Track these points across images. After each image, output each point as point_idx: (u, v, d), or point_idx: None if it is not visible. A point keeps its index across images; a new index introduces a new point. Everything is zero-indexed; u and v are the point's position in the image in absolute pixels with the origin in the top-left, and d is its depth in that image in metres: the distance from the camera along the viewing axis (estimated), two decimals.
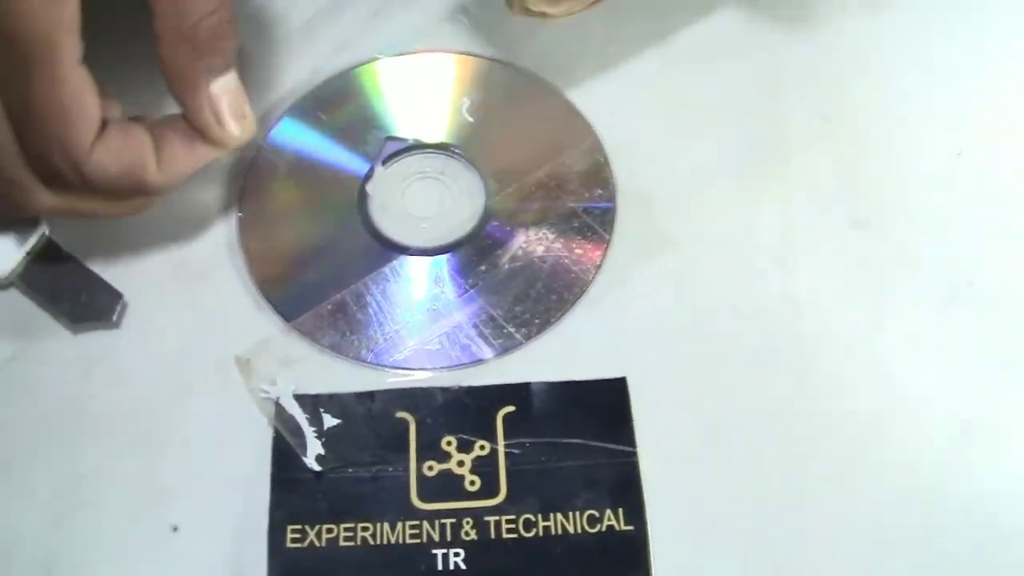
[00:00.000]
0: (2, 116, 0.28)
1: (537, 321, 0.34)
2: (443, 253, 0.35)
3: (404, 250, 0.35)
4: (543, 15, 0.34)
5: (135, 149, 0.30)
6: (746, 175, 0.37)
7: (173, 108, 0.31)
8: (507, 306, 0.34)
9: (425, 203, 0.36)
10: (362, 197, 0.36)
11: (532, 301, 0.34)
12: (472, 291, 0.34)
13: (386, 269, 0.35)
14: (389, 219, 0.36)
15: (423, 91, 0.39)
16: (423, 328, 0.34)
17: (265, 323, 0.34)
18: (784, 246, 0.35)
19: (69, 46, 0.27)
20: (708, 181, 0.37)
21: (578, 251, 0.35)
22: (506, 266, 0.35)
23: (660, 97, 0.39)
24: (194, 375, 0.33)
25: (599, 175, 0.36)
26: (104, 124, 0.29)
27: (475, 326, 0.34)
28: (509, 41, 0.39)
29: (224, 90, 0.31)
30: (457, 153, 0.37)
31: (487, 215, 0.36)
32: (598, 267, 0.35)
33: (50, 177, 0.29)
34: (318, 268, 0.35)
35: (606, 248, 0.35)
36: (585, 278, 0.34)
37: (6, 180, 0.29)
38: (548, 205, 0.36)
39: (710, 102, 0.38)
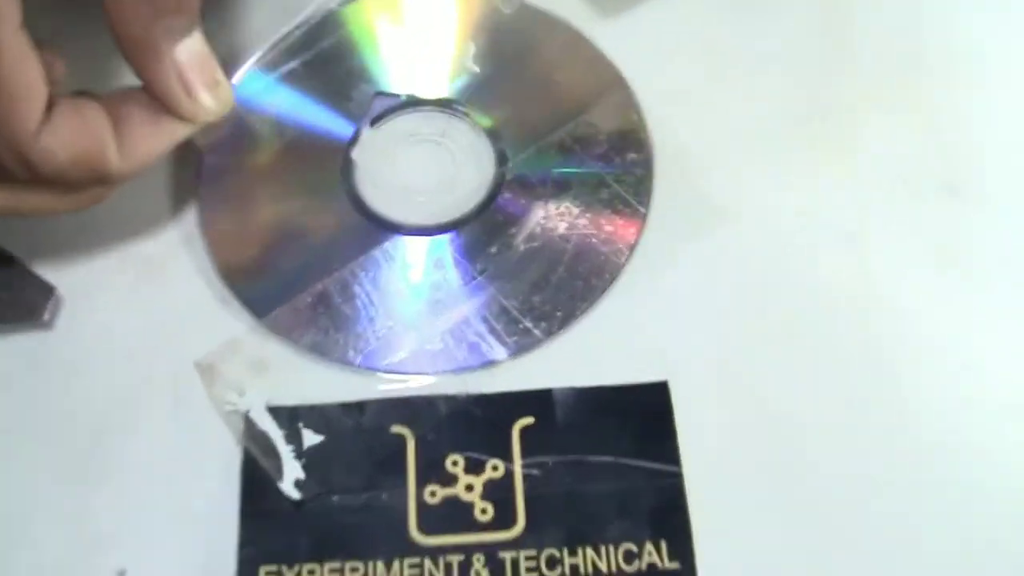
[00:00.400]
0: None
1: (559, 314, 0.32)
2: (445, 232, 0.34)
3: (398, 229, 0.34)
4: None
5: (90, 130, 0.29)
6: (809, 134, 0.36)
7: (133, 80, 0.30)
8: (523, 296, 0.33)
9: (423, 172, 0.35)
10: (347, 166, 0.35)
11: (553, 289, 0.33)
12: (481, 278, 0.33)
13: (377, 253, 0.34)
14: (380, 192, 0.35)
15: (419, 34, 0.37)
16: (422, 324, 0.32)
17: (231, 321, 0.33)
18: (856, 219, 0.34)
19: (7, 8, 0.26)
20: (764, 141, 0.35)
21: (608, 228, 0.34)
22: (521, 247, 0.34)
23: (706, 40, 0.37)
24: (145, 386, 0.32)
25: (633, 135, 0.35)
26: (51, 102, 0.28)
27: (485, 320, 0.33)
28: None
29: (191, 54, 0.30)
30: (461, 111, 0.36)
31: (498, 185, 0.35)
32: (632, 247, 0.33)
33: None
34: (294, 253, 0.34)
35: (642, 224, 0.34)
36: (617, 260, 0.33)
37: None
38: (572, 172, 0.35)
39: (766, 46, 0.37)
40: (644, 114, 0.35)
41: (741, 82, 0.36)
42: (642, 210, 0.34)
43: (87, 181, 0.29)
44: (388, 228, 0.34)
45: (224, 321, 0.33)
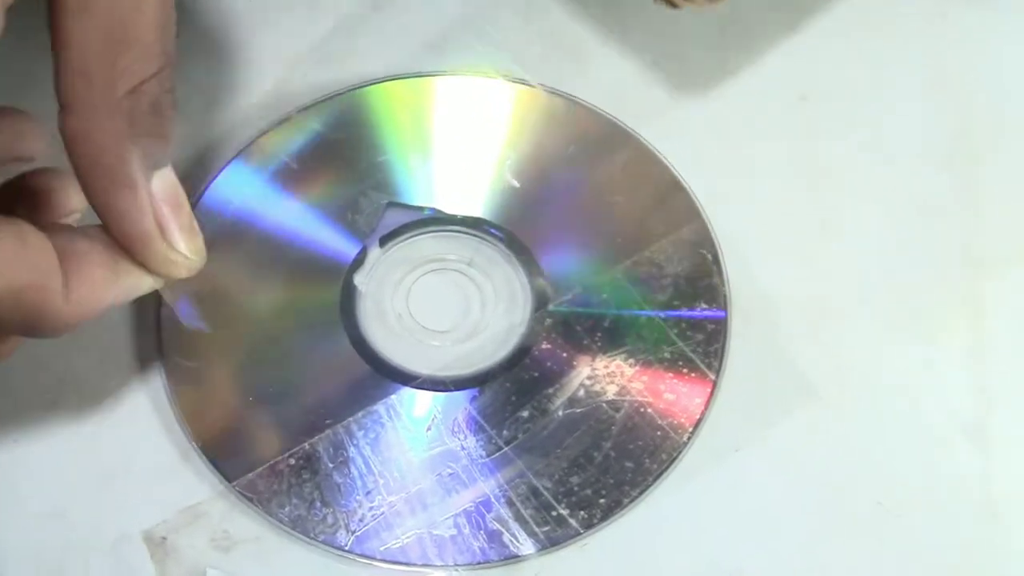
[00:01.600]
0: None
1: (603, 501, 0.34)
2: (466, 388, 0.36)
3: (407, 380, 0.36)
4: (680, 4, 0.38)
5: (33, 265, 0.30)
6: (922, 295, 0.38)
7: None
8: (559, 476, 0.34)
9: (442, 309, 0.37)
10: (347, 294, 0.37)
11: (597, 470, 0.34)
12: (508, 449, 0.35)
13: (379, 407, 0.35)
14: (387, 331, 0.37)
15: (447, 133, 0.40)
16: (432, 502, 0.34)
17: (194, 483, 0.34)
18: (980, 407, 0.36)
19: None
20: (869, 300, 0.38)
21: (669, 396, 0.35)
22: (560, 413, 0.35)
23: (803, 167, 0.40)
24: (78, 559, 0.33)
25: (706, 280, 0.37)
26: None
27: (510, 504, 0.34)
28: (575, 64, 0.41)
29: (166, 188, 0.32)
30: (493, 233, 0.38)
31: (534, 333, 0.37)
32: (698, 423, 0.35)
33: None
34: (276, 401, 0.35)
35: (712, 393, 0.36)
36: (678, 439, 0.35)
37: None
38: (627, 321, 0.37)
39: (874, 180, 0.40)
40: (721, 255, 0.38)
41: (843, 224, 0.39)
42: (712, 376, 0.36)
43: (16, 326, 0.30)
44: (395, 378, 0.36)
45: (185, 483, 0.34)
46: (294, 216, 0.38)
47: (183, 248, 0.32)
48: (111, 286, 0.31)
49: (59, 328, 0.31)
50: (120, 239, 0.32)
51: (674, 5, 0.38)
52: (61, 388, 0.36)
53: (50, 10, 0.30)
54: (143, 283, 0.32)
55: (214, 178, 0.39)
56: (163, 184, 0.32)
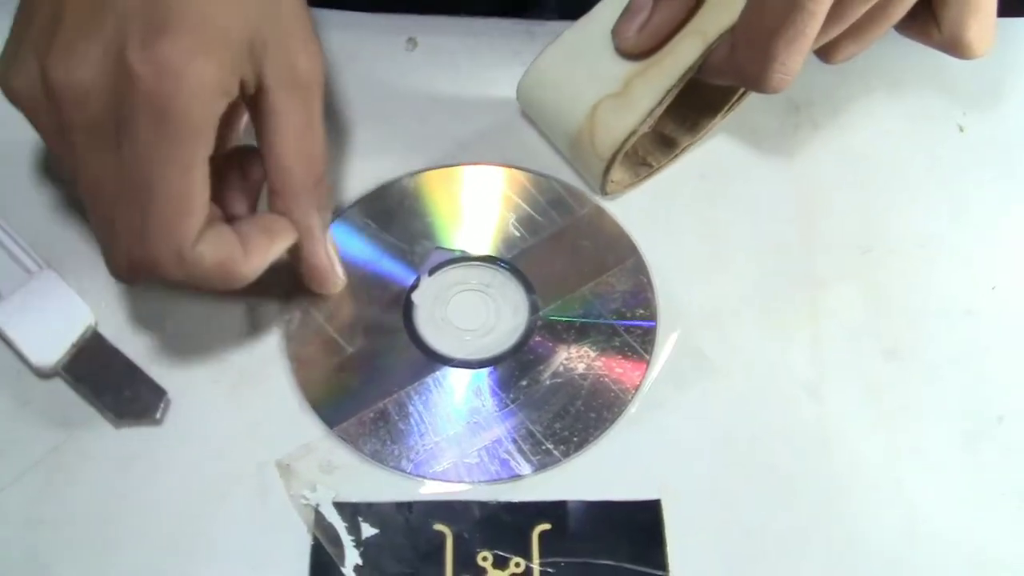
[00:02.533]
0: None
1: (575, 439, 0.38)
2: (485, 367, 0.40)
3: (447, 361, 0.40)
4: (628, 186, 0.43)
5: (229, 245, 0.35)
6: (781, 303, 0.42)
7: None
8: (547, 422, 0.38)
9: (470, 315, 0.41)
10: (408, 306, 0.41)
11: (571, 418, 0.38)
12: (513, 406, 0.39)
13: (429, 380, 0.39)
14: (433, 329, 0.40)
15: (471, 203, 0.43)
16: (463, 441, 0.38)
17: (308, 428, 0.38)
18: (816, 375, 0.40)
19: (208, 139, 0.33)
20: (745, 307, 0.41)
21: (618, 370, 0.40)
22: (547, 382, 0.39)
23: (705, 222, 0.44)
24: (234, 478, 0.37)
25: (642, 295, 0.41)
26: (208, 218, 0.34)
27: (514, 441, 0.38)
28: (554, 156, 0.45)
29: (331, 240, 0.39)
30: (503, 266, 0.42)
31: (530, 330, 0.40)
32: (637, 388, 0.39)
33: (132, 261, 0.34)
34: (362, 375, 0.39)
35: (646, 368, 0.40)
36: (624, 398, 0.39)
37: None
38: (591, 322, 0.40)
39: (748, 229, 0.43)
40: (652, 278, 0.41)
41: (731, 257, 0.43)
42: (647, 357, 0.40)
43: (220, 284, 0.35)
44: (439, 360, 0.39)
45: (301, 428, 0.38)
46: (373, 255, 0.41)
47: (340, 273, 0.39)
48: (268, 253, 0.36)
49: (246, 279, 0.35)
50: (308, 268, 0.38)
51: (606, 192, 0.42)
52: (225, 366, 0.40)
53: (258, 129, 0.36)
54: (281, 249, 0.37)
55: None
56: (331, 237, 0.39)
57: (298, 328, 0.40)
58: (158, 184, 0.32)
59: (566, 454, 0.38)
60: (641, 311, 0.41)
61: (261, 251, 0.36)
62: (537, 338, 0.40)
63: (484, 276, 0.42)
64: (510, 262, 0.42)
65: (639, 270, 0.42)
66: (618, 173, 0.43)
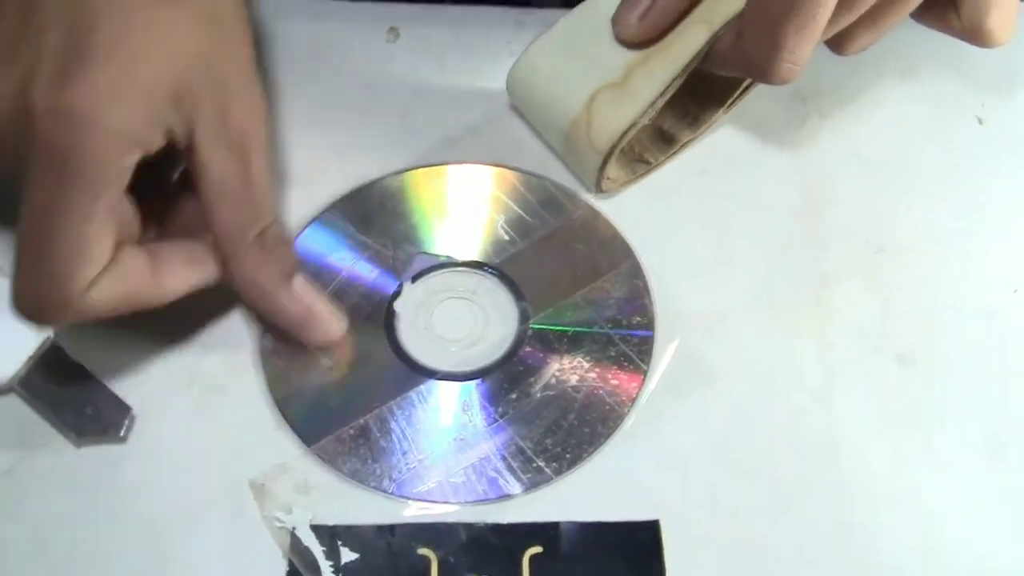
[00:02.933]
0: None
1: (568, 456, 0.38)
2: (473, 379, 0.39)
3: (432, 374, 0.39)
4: (624, 184, 0.43)
5: (132, 278, 0.34)
6: (787, 306, 0.41)
7: None
8: (538, 438, 0.38)
9: (455, 324, 0.41)
10: (389, 316, 0.41)
11: (564, 434, 0.38)
12: (502, 421, 0.38)
13: (412, 394, 0.39)
14: (417, 340, 0.40)
15: (457, 204, 0.43)
16: (449, 458, 0.38)
17: (283, 445, 0.38)
18: (824, 381, 0.40)
19: (113, 189, 0.32)
20: (748, 311, 0.41)
21: (614, 382, 0.39)
22: (538, 395, 0.39)
23: (704, 222, 0.43)
24: (204, 499, 0.37)
25: (638, 301, 0.41)
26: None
27: (504, 458, 0.38)
28: (545, 155, 0.45)
29: (301, 288, 0.38)
30: (490, 272, 0.42)
31: (520, 339, 0.40)
32: (634, 400, 0.39)
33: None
34: (341, 389, 0.39)
35: (643, 379, 0.40)
36: (620, 411, 0.39)
37: None
38: (584, 331, 0.40)
39: (751, 228, 0.43)
40: (649, 282, 0.41)
41: (733, 260, 0.42)
42: (644, 367, 0.39)
43: (123, 311, 0.34)
44: (423, 373, 0.39)
45: (277, 445, 0.38)
46: (353, 260, 0.41)
47: (327, 315, 0.38)
48: (184, 282, 0.36)
49: (152, 305, 0.35)
50: (284, 325, 0.38)
51: (601, 190, 0.42)
52: (194, 379, 0.39)
53: (192, 183, 0.35)
54: (202, 280, 0.36)
55: (300, 233, 0.42)
56: (299, 285, 0.38)
57: (273, 339, 0.40)
58: (53, 233, 0.32)
59: (558, 472, 0.37)
60: (638, 318, 0.40)
61: (175, 278, 0.35)
62: (527, 348, 0.40)
63: (471, 283, 0.41)
64: (498, 267, 0.41)
65: (635, 274, 0.41)
66: (614, 170, 0.43)
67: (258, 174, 0.35)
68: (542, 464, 0.37)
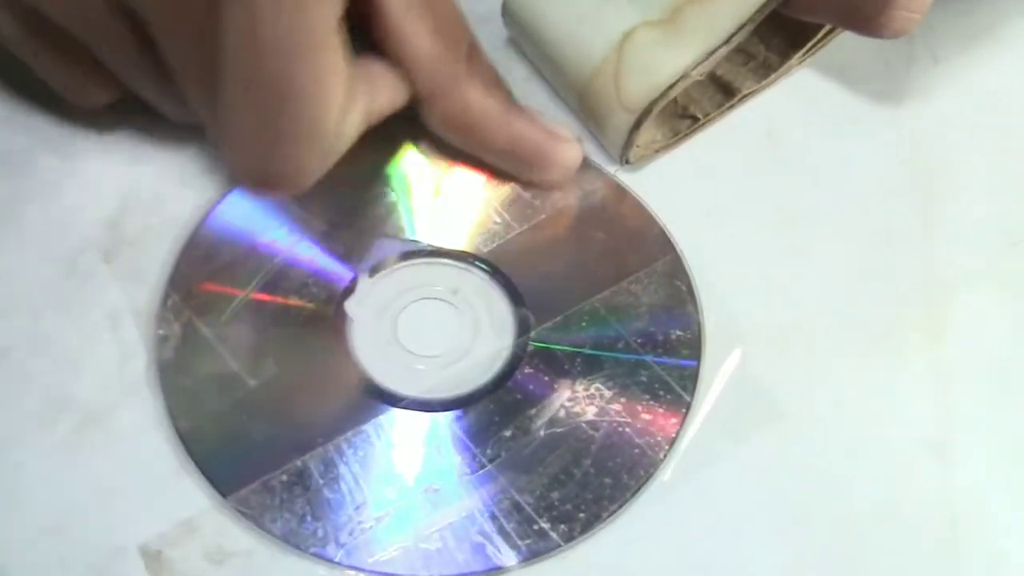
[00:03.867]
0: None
1: (582, 516, 0.35)
2: (451, 409, 0.37)
3: (395, 401, 0.37)
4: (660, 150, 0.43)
5: (376, 98, 0.36)
6: (886, 320, 0.40)
7: None
8: (541, 491, 0.36)
9: (429, 334, 0.38)
10: (339, 320, 0.38)
11: (577, 486, 0.36)
12: (491, 467, 0.36)
13: (368, 427, 0.36)
14: (376, 354, 0.38)
15: (434, 172, 0.41)
16: (418, 517, 0.35)
17: (189, 497, 0.35)
18: (940, 425, 0.38)
19: (331, 9, 0.32)
20: (831, 326, 0.39)
21: (646, 416, 0.37)
22: (541, 432, 0.36)
23: (766, 203, 0.42)
24: (78, 570, 0.34)
25: (679, 309, 0.39)
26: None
27: (493, 518, 0.35)
28: (556, 106, 0.43)
29: (527, 110, 0.39)
30: (479, 265, 0.40)
31: (517, 357, 0.38)
32: (672, 441, 0.37)
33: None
34: (270, 420, 0.37)
35: (685, 414, 0.37)
36: (654, 456, 0.36)
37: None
38: (605, 347, 0.38)
39: (836, 213, 0.42)
40: (694, 284, 0.39)
41: (810, 255, 0.41)
42: (686, 398, 0.37)
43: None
44: (383, 399, 0.37)
45: (180, 496, 0.35)
46: (291, 244, 0.39)
47: (569, 137, 0.39)
48: (392, 100, 0.37)
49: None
50: (524, 156, 0.39)
51: (628, 161, 0.42)
52: (61, 405, 0.36)
53: (382, 26, 0.37)
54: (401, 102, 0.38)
55: (217, 204, 0.40)
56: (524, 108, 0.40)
57: (177, 349, 0.38)
58: (291, 57, 0.32)
59: (568, 538, 0.35)
60: (678, 333, 0.38)
61: (385, 98, 0.37)
62: (528, 370, 0.38)
63: (451, 279, 0.40)
64: (489, 260, 0.40)
65: (675, 273, 0.40)
66: (648, 131, 0.41)
67: None
68: (546, 527, 0.35)
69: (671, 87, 0.39)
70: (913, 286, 0.40)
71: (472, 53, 0.38)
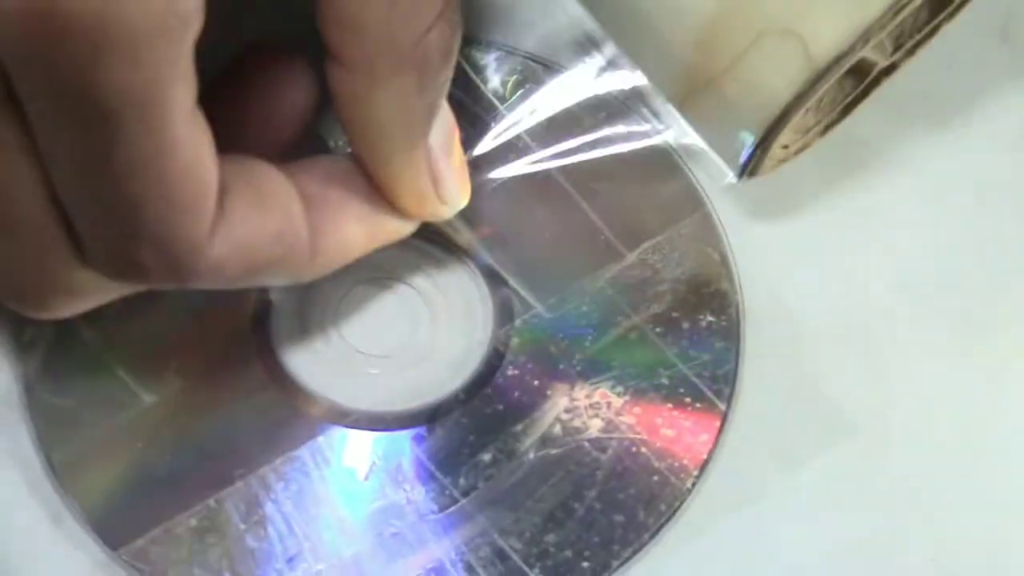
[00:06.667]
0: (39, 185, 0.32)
1: (586, 565, 0.36)
2: (411, 427, 0.38)
3: (338, 417, 0.38)
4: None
5: (276, 226, 0.34)
6: (990, 306, 0.41)
7: None
8: (531, 534, 0.36)
9: (380, 328, 0.40)
10: (262, 311, 0.39)
11: (579, 526, 0.37)
12: (465, 502, 0.37)
13: (303, 452, 0.37)
14: (311, 356, 0.39)
15: None
16: (371, 569, 0.36)
17: (69, 553, 0.36)
18: None
19: (182, 96, 0.31)
20: (918, 313, 0.41)
21: (669, 432, 0.38)
22: (531, 455, 0.38)
23: (832, 149, 0.42)
24: None
25: (713, 287, 0.40)
26: (223, 183, 0.33)
27: (469, 569, 0.36)
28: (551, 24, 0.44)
29: (442, 134, 0.37)
30: (445, 236, 0.41)
31: (497, 355, 0.39)
32: (704, 464, 0.38)
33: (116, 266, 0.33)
34: (174, 447, 0.37)
35: (721, 427, 0.38)
36: (680, 485, 0.37)
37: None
38: (615, 340, 0.39)
39: (918, 177, 0.43)
40: (731, 254, 0.41)
41: (888, 216, 0.42)
42: (721, 406, 0.38)
43: (250, 284, 0.35)
44: (322, 415, 0.38)
45: (58, 553, 0.36)
46: None
47: (455, 197, 0.38)
48: (363, 241, 0.36)
49: (298, 280, 0.36)
50: (389, 196, 0.37)
51: (755, 173, 0.41)
52: None
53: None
54: (396, 230, 0.37)
55: None
56: (440, 129, 0.37)
57: (48, 357, 0.38)
58: (123, 180, 0.31)
59: None
60: (711, 317, 0.40)
61: (347, 237, 0.36)
62: (512, 371, 0.39)
63: (410, 255, 0.41)
64: (460, 228, 0.41)
65: (708, 239, 0.41)
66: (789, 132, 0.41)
67: None
68: None
69: (851, 51, 0.37)
70: (1016, 269, 0.42)
71: (430, 37, 0.36)
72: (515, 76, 0.44)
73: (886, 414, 0.39)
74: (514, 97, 0.43)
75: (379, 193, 0.37)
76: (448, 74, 0.36)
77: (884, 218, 0.42)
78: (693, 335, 0.39)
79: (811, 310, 0.40)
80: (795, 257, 0.41)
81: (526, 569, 0.36)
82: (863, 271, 0.41)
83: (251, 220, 0.33)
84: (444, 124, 0.37)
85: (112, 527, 0.36)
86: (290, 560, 0.36)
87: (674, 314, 0.40)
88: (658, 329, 0.39)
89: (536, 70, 0.44)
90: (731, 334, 0.39)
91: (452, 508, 0.37)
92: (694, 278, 0.40)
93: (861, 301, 0.41)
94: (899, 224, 0.42)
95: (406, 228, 0.37)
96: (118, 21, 0.29)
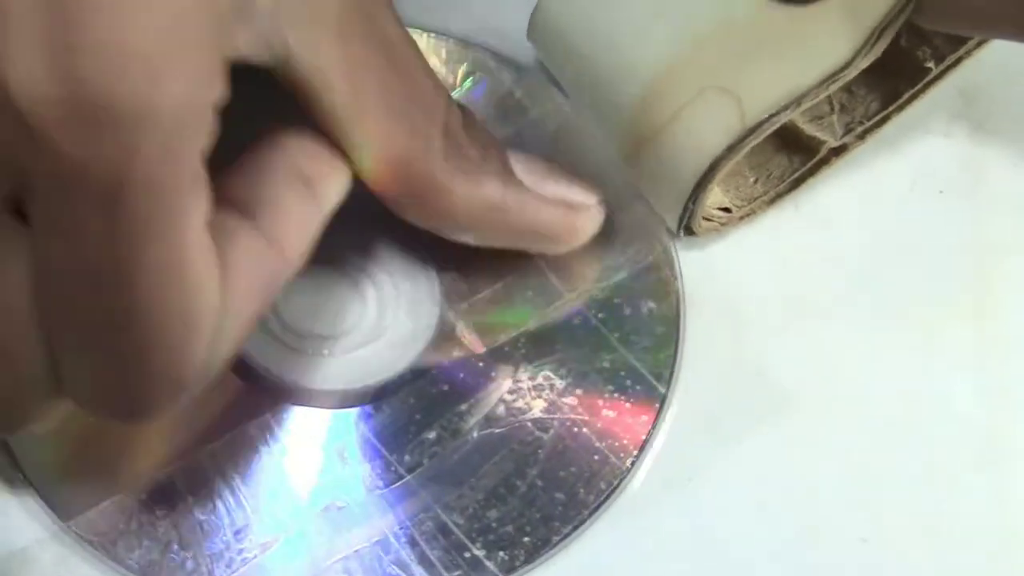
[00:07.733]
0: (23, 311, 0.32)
1: (527, 540, 0.39)
2: (357, 405, 0.41)
3: (286, 395, 0.41)
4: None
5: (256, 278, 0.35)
6: (920, 286, 0.43)
7: None
8: (474, 509, 0.39)
9: (331, 311, 0.42)
10: None
11: (520, 503, 0.39)
12: (410, 478, 0.40)
13: (251, 429, 0.40)
14: (262, 336, 0.41)
15: None
16: (316, 543, 0.39)
17: (21, 522, 0.39)
18: (990, 420, 0.41)
19: (195, 209, 0.32)
20: (851, 294, 0.43)
21: (610, 413, 0.41)
22: (474, 434, 0.40)
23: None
24: None
25: (653, 273, 0.43)
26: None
27: (413, 543, 0.39)
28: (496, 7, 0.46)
29: (528, 174, 0.41)
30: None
31: (443, 336, 0.41)
32: (644, 444, 0.40)
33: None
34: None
35: (660, 409, 0.41)
36: (620, 464, 0.40)
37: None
38: (556, 323, 0.42)
39: (862, 156, 0.45)
40: (673, 244, 0.43)
41: (822, 202, 0.44)
42: (660, 390, 0.41)
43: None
44: (270, 392, 0.40)
45: (9, 522, 0.38)
46: None
47: (588, 200, 0.41)
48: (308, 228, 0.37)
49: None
50: (541, 241, 0.41)
51: (692, 231, 0.43)
52: None
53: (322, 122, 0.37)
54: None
55: None
56: (518, 168, 0.41)
57: None
58: (125, 302, 0.31)
59: (510, 568, 0.38)
60: (651, 303, 0.42)
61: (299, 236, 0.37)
62: (455, 351, 0.41)
63: (358, 238, 0.42)
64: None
65: (649, 226, 0.43)
66: (720, 193, 0.44)
67: (397, 38, 0.37)
68: (481, 555, 0.39)
69: (777, 115, 0.40)
70: (954, 246, 0.43)
71: (450, 122, 0.38)
72: (464, 64, 0.45)
73: (822, 394, 0.41)
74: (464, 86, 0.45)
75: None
76: (486, 134, 0.40)
77: (820, 203, 0.44)
78: (635, 319, 0.41)
79: (750, 295, 0.42)
80: (734, 243, 0.43)
81: (468, 544, 0.38)
82: (800, 255, 0.43)
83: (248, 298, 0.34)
84: (506, 164, 0.40)
85: (64, 500, 0.38)
86: (237, 532, 0.38)
87: (616, 300, 0.41)
88: (601, 315, 0.41)
89: (487, 60, 0.45)
90: (670, 319, 0.41)
91: (397, 484, 0.39)
92: (636, 265, 0.42)
93: (799, 285, 0.42)
94: (834, 209, 0.44)
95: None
96: (159, 107, 0.29)
